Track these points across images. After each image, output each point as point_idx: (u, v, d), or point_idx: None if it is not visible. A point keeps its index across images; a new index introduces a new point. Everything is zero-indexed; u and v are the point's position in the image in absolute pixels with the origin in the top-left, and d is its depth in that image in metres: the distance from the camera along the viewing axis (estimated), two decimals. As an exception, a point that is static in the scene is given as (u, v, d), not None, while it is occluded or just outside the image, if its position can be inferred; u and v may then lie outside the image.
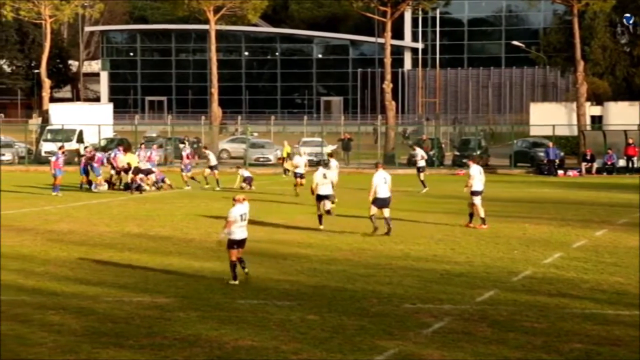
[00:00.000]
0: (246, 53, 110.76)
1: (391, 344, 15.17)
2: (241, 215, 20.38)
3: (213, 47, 65.10)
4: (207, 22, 65.38)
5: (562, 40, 77.14)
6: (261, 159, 58.59)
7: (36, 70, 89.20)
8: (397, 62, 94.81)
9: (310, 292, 19.16)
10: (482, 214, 28.60)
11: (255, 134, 70.56)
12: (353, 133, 64.27)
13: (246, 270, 20.39)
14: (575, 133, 59.58)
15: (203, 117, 73.06)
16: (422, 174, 42.11)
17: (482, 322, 16.59)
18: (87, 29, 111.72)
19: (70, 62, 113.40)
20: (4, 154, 58.32)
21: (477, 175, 28.98)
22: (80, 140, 58.06)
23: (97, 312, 17.33)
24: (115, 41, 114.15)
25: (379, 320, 16.74)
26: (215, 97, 64.72)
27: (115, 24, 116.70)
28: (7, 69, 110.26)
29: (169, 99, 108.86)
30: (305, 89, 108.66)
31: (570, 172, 52.53)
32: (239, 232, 20.29)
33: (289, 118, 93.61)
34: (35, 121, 78.73)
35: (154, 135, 69.63)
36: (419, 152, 43.58)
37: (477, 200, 28.73)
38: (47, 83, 67.74)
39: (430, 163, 56.04)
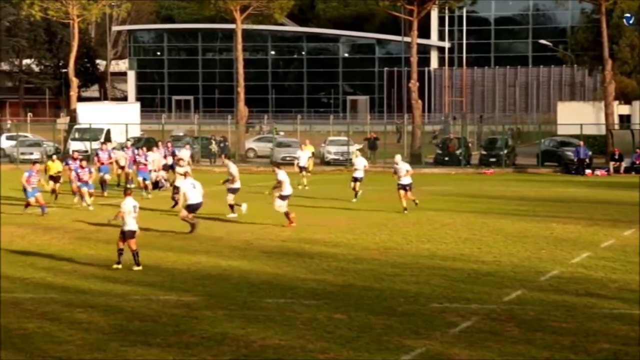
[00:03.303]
0: (272, 52, 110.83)
1: (418, 344, 15.16)
2: (134, 207, 21.67)
3: (239, 47, 65.17)
4: (233, 21, 65.44)
5: (590, 39, 76.61)
6: (288, 158, 58.58)
7: (64, 70, 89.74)
8: (424, 61, 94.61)
9: (337, 291, 19.16)
10: (285, 211, 28.86)
11: (282, 133, 70.58)
12: (379, 132, 64.20)
13: (139, 267, 21.40)
14: (603, 132, 59.21)
15: (230, 116, 73.18)
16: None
17: (510, 322, 16.54)
18: (115, 28, 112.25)
19: (97, 61, 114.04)
20: (32, 153, 58.64)
21: (287, 180, 29.08)
22: (107, 139, 58.27)
23: (125, 310, 17.41)
24: (143, 40, 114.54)
25: (406, 319, 16.72)
26: (242, 96, 64.79)
27: (142, 24, 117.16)
28: (36, 69, 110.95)
29: (196, 98, 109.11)
30: (331, 88, 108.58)
31: (598, 172, 52.20)
32: (132, 223, 21.57)
33: (315, 117, 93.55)
34: (63, 120, 79.08)
35: (181, 134, 69.88)
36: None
37: (284, 203, 28.95)
38: (75, 82, 68.07)
39: (457, 162, 56.01)
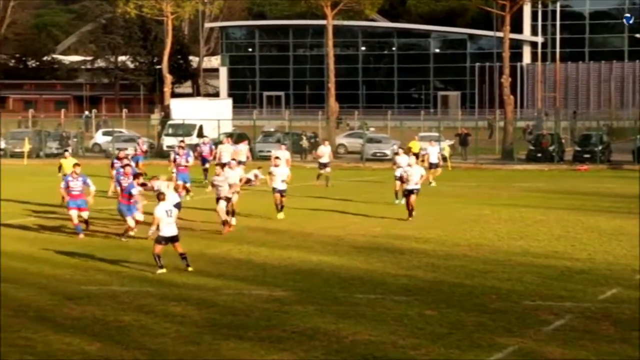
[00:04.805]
0: (363, 48, 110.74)
1: (511, 341, 15.01)
2: (167, 212, 20.75)
3: (330, 43, 65.32)
4: (324, 17, 65.64)
5: (688, 33, 74.84)
6: (378, 154, 58.56)
7: (158, 66, 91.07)
8: (516, 56, 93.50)
9: (428, 288, 19.10)
10: (223, 217, 26.84)
11: (372, 129, 70.49)
12: (470, 128, 63.68)
13: (190, 268, 20.78)
14: (702, 128, 57.76)
15: (320, 112, 73.38)
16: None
17: (605, 321, 16.28)
18: (207, 25, 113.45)
19: (190, 58, 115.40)
20: (126, 148, 59.66)
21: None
22: (200, 135, 59.04)
23: (218, 304, 17.62)
24: (234, 37, 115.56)
25: (498, 316, 16.58)
26: (333, 92, 64.94)
27: (235, 20, 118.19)
28: (131, 65, 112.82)
29: (287, 94, 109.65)
30: (422, 83, 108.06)
31: (696, 168, 50.88)
32: (167, 228, 20.66)
33: (406, 113, 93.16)
34: (157, 116, 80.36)
35: (272, 130, 70.32)
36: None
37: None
38: (168, 79, 69.06)
39: (550, 159, 55.28)
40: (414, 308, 17.23)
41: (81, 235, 25.78)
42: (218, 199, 26.75)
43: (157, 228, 20.68)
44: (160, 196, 21.35)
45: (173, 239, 20.83)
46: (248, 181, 39.63)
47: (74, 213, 25.99)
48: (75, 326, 16.07)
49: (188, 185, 34.66)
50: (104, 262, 22.09)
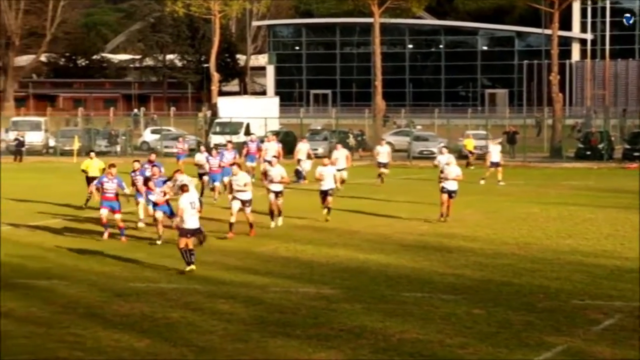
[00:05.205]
0: (410, 46, 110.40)
1: (559, 340, 14.92)
2: (191, 203, 20.75)
3: (377, 40, 65.20)
4: (371, 15, 65.56)
5: None
6: (425, 152, 58.35)
7: (206, 65, 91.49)
8: (565, 54, 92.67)
9: (476, 286, 19.03)
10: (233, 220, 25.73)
11: (419, 127, 70.29)
12: (518, 126, 63.27)
13: (191, 266, 20.50)
14: None
15: (367, 110, 73.29)
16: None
17: (655, 321, 16.12)
18: (255, 23, 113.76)
19: (238, 56, 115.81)
20: (173, 147, 60.07)
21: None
22: (247, 133, 59.27)
23: (265, 302, 17.68)
24: (282, 35, 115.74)
25: (547, 316, 16.47)
26: (379, 90, 64.83)
27: (282, 18, 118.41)
28: (179, 64, 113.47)
29: (334, 92, 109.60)
30: (469, 81, 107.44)
31: None
32: (190, 221, 20.66)
33: (453, 111, 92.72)
34: (204, 114, 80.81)
35: (319, 128, 70.43)
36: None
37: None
38: (216, 77, 69.38)
39: (599, 157, 54.77)
40: (462, 307, 17.17)
41: (123, 238, 25.06)
42: (234, 198, 25.81)
43: (181, 219, 20.74)
44: (184, 187, 21.33)
45: (194, 232, 20.94)
46: (298, 178, 39.79)
47: (104, 212, 25.13)
48: (124, 322, 16.23)
49: (217, 185, 34.57)
50: (150, 259, 22.24)
